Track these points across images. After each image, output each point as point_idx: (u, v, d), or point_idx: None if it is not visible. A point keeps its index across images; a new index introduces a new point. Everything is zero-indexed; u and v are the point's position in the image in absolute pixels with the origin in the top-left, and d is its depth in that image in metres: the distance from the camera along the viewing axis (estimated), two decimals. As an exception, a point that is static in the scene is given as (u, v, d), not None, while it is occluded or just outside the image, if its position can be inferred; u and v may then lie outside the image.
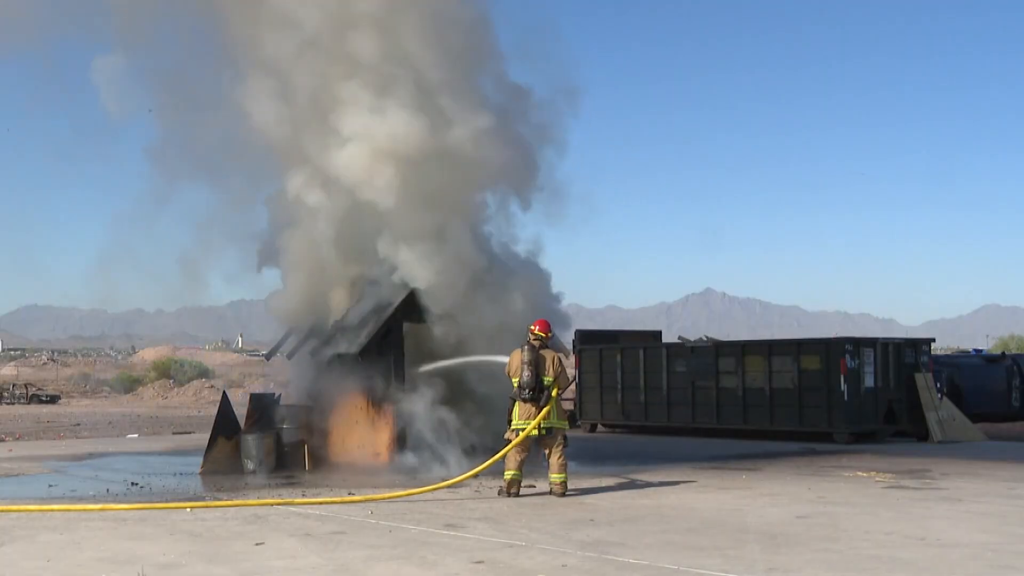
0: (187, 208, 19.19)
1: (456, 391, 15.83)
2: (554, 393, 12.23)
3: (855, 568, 7.66)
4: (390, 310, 15.88)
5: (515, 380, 12.30)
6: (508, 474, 12.13)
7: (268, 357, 18.34)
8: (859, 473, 14.50)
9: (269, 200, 17.53)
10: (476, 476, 12.60)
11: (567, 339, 21.75)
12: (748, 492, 12.41)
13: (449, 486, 12.35)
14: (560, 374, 12.31)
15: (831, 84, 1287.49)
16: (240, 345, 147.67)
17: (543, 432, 12.20)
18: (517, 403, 12.29)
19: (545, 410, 12.14)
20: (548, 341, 12.54)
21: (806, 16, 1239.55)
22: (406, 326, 16.18)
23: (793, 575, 7.45)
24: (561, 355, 12.63)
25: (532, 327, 12.60)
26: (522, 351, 12.35)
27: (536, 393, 12.18)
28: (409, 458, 14.89)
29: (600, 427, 25.27)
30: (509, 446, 12.19)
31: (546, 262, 18.78)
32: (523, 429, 12.15)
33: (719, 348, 23.14)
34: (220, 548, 8.72)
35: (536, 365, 12.22)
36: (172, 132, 18.40)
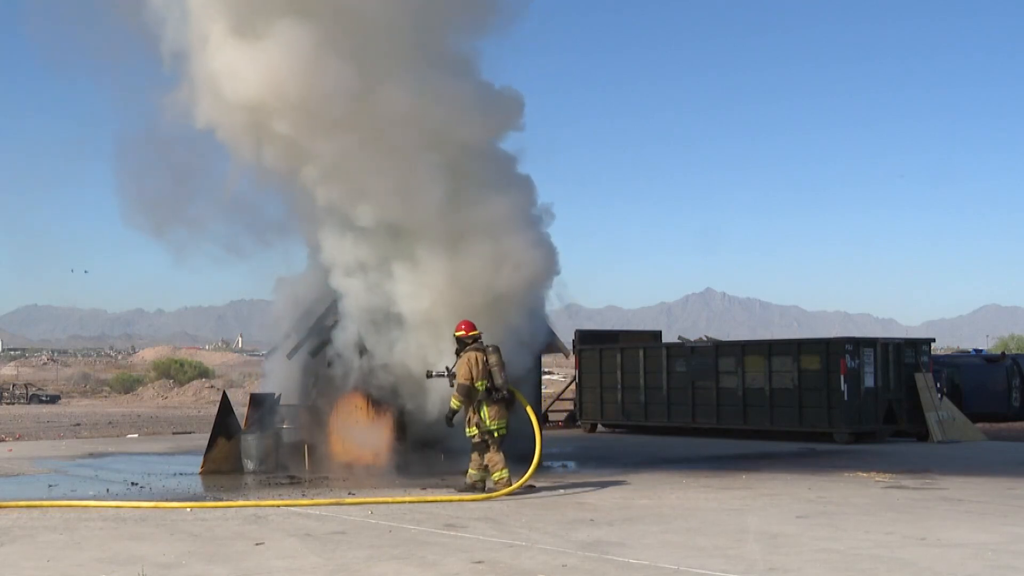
0: None
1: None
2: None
3: (855, 568, 7.66)
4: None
5: (481, 384, 12.37)
6: (503, 473, 12.25)
7: (268, 357, 18.32)
8: (859, 473, 14.50)
9: None
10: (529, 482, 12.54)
11: (567, 337, 21.79)
12: (748, 492, 12.41)
13: (500, 496, 12.04)
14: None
15: (831, 84, 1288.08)
16: (240, 345, 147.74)
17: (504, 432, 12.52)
18: (485, 404, 12.40)
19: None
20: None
21: (806, 16, 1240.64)
22: None
23: (793, 575, 7.46)
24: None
25: (459, 332, 12.72)
26: (485, 354, 12.51)
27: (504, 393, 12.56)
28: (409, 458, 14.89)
29: (600, 427, 25.29)
30: (536, 450, 12.60)
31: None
32: (496, 430, 12.37)
33: (719, 348, 23.16)
34: (220, 548, 8.72)
35: (502, 366, 12.58)
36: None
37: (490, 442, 12.38)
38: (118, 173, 17.07)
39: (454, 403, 12.46)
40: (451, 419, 12.57)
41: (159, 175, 16.79)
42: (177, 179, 16.76)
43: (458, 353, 12.70)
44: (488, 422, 12.38)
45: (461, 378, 12.41)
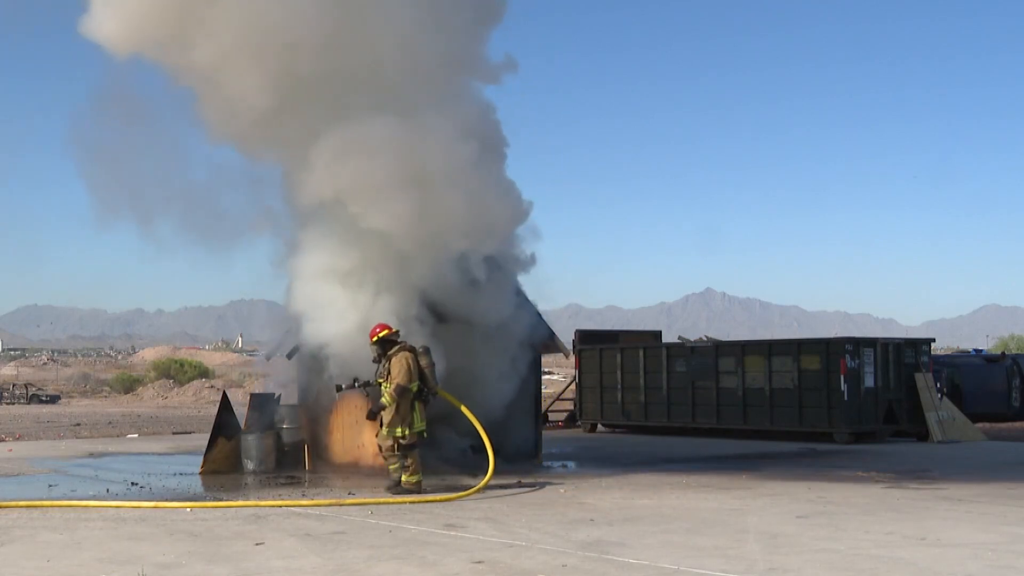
0: None
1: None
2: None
3: (855, 568, 7.66)
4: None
5: (414, 386, 12.30)
6: (419, 476, 12.34)
7: (268, 358, 18.29)
8: (859, 473, 14.50)
9: None
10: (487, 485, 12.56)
11: (567, 337, 21.78)
12: (748, 492, 12.41)
13: (464, 496, 12.08)
14: None
15: (831, 84, 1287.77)
16: (240, 345, 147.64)
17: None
18: (418, 404, 12.40)
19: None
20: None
21: (805, 16, 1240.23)
22: None
23: (793, 575, 7.46)
24: None
25: (381, 333, 12.56)
26: (416, 355, 12.43)
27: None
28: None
29: (600, 427, 25.29)
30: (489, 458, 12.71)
31: (542, 259, 17.21)
32: (423, 431, 12.43)
33: (719, 348, 23.17)
34: (220, 548, 8.72)
35: (433, 367, 12.64)
36: None
37: (416, 443, 12.38)
38: (72, 148, 16.33)
39: (386, 399, 12.24)
40: (377, 414, 12.34)
41: (119, 152, 15.85)
42: (138, 155, 15.96)
43: (383, 355, 12.50)
44: (418, 423, 12.41)
45: (401, 379, 12.20)
